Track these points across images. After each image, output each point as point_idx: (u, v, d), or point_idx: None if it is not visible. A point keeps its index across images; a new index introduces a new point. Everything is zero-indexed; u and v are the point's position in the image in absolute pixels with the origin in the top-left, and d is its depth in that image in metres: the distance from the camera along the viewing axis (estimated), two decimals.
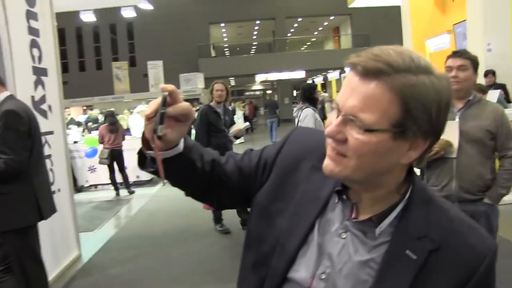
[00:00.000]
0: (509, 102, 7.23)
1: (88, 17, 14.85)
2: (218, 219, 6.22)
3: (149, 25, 29.93)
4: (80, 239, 5.49)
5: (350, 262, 1.01)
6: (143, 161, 1.11)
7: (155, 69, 27.90)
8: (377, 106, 0.88)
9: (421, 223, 1.00)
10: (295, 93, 38.26)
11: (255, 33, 38.22)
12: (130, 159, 9.73)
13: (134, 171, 9.93)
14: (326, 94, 20.68)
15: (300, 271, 1.05)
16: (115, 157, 9.17)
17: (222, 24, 34.56)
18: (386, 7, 16.24)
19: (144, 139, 1.06)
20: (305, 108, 5.52)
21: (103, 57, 33.06)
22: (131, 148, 9.94)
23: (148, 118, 1.00)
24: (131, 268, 5.00)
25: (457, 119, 2.95)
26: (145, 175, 9.96)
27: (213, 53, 34.85)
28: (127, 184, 9.40)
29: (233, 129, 6.01)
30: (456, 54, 2.97)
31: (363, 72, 0.89)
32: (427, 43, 9.79)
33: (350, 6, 15.37)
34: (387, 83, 0.87)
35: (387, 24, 29.71)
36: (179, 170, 1.10)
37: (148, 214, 7.64)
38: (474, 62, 2.95)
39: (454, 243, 0.99)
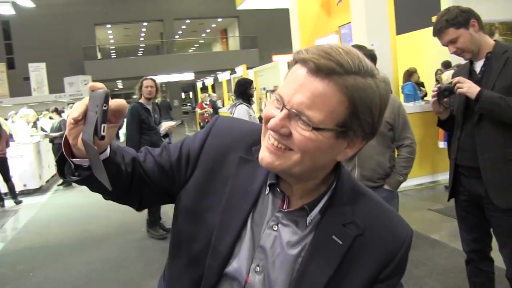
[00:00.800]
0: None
1: None
2: (154, 223, 5.82)
3: (29, 24, 28.04)
4: None
5: (283, 254, 1.04)
6: (62, 169, 1.04)
7: (37, 71, 26.17)
8: (325, 105, 0.90)
9: (347, 210, 1.04)
10: (183, 95, 38.02)
11: (143, 34, 37.44)
12: (16, 167, 9.08)
13: (20, 180, 9.27)
14: (214, 95, 20.99)
15: (236, 267, 1.06)
16: None
17: (108, 26, 33.39)
18: (273, 9, 16.71)
19: (66, 144, 0.98)
20: (238, 104, 5.45)
21: None
22: (16, 155, 9.28)
23: (76, 121, 0.93)
24: (26, 283, 4.64)
25: None
26: (33, 183, 9.34)
27: (99, 55, 33.56)
28: (13, 194, 8.69)
29: (164, 127, 5.84)
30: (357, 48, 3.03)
31: (314, 69, 0.89)
32: (316, 43, 10.24)
33: (238, 8, 15.58)
34: (337, 84, 0.89)
35: (274, 26, 30.72)
36: None
37: (40, 224, 7.13)
38: (373, 56, 3.01)
39: (377, 228, 1.04)
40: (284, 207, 1.06)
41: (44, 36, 29.31)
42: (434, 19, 7.79)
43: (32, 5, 12.15)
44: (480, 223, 2.70)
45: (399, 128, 3.14)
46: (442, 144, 7.08)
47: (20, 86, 27.53)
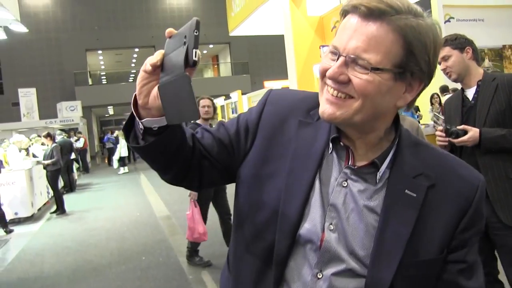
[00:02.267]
0: None
1: None
2: (194, 252, 5.47)
3: (19, 49, 27.91)
4: None
5: (356, 209, 1.03)
6: (130, 135, 1.06)
7: (27, 97, 26.06)
8: (380, 46, 0.92)
9: (414, 163, 1.05)
10: None
11: (134, 60, 37.47)
12: (7, 194, 8.82)
13: (11, 207, 8.97)
14: None
15: (308, 228, 1.05)
16: None
17: (100, 51, 33.39)
18: (264, 36, 16.79)
19: (135, 107, 1.01)
20: None
21: None
22: (8, 182, 9.05)
23: (155, 68, 0.95)
24: None
25: None
26: (25, 211, 9.03)
27: (90, 81, 33.47)
28: (3, 223, 8.34)
29: None
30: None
31: (366, 12, 0.92)
32: (314, 69, 10.24)
33: (231, 34, 15.62)
34: (390, 24, 0.91)
35: (265, 52, 30.98)
36: (169, 145, 1.04)
37: (33, 253, 6.82)
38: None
39: (447, 177, 1.05)
40: (350, 163, 1.05)
41: (34, 61, 29.22)
42: None
43: (25, 30, 11.99)
44: (484, 245, 2.70)
45: None
46: None
47: (9, 112, 27.32)
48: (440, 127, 2.75)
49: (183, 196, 1.06)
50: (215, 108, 5.45)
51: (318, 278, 1.04)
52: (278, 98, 1.18)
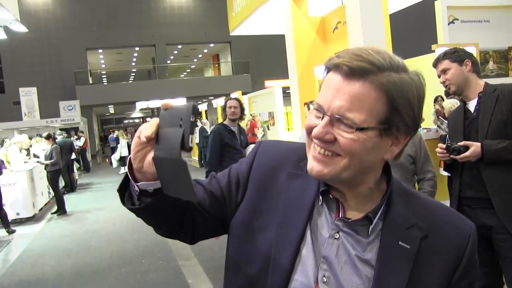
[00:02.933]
0: None
1: None
2: None
3: (19, 49, 27.93)
4: None
5: (349, 261, 1.01)
6: (123, 197, 1.06)
7: (28, 96, 26.00)
8: (364, 105, 0.93)
9: (406, 214, 1.04)
10: None
11: (134, 59, 37.46)
12: (8, 195, 8.85)
13: (12, 208, 9.01)
14: (205, 121, 20.87)
15: (301, 280, 1.03)
16: None
17: (100, 50, 33.42)
18: (265, 35, 16.76)
19: (130, 169, 1.01)
20: None
21: None
22: (9, 182, 9.08)
23: (149, 140, 0.95)
24: None
25: None
26: (26, 212, 9.07)
27: (90, 80, 33.49)
28: (6, 223, 8.40)
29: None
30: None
31: (348, 72, 0.93)
32: (315, 71, 10.21)
33: (232, 34, 15.61)
34: (372, 82, 0.92)
35: (266, 52, 30.91)
36: (164, 205, 1.03)
37: (34, 255, 6.88)
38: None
39: (439, 227, 1.04)
40: (340, 215, 1.04)
41: (35, 61, 29.25)
42: (434, 47, 7.79)
43: (25, 30, 12.00)
44: (488, 256, 2.73)
45: (421, 161, 3.09)
46: (443, 172, 7.02)
47: (10, 111, 27.31)
48: (443, 145, 2.76)
49: None
50: (242, 109, 5.37)
51: None
52: (268, 149, 1.20)
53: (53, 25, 30.18)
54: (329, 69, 0.99)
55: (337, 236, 1.03)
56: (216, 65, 39.24)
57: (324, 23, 11.79)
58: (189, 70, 42.97)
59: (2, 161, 10.15)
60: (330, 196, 1.06)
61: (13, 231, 8.39)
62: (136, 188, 1.01)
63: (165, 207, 1.04)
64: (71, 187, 13.67)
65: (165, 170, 0.92)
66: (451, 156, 2.72)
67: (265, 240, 1.08)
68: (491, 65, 10.69)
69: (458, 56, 2.78)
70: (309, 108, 5.61)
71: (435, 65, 2.89)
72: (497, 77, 10.66)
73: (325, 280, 1.01)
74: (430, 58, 9.13)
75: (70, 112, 26.47)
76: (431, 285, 1.00)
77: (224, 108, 5.37)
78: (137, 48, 34.01)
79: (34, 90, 26.23)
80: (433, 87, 9.99)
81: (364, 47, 0.96)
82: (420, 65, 10.80)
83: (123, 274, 5.57)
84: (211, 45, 34.74)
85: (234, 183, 1.16)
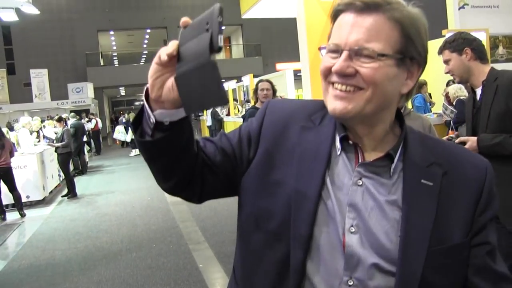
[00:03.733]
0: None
1: None
2: None
3: (31, 30, 27.90)
4: None
5: (377, 205, 1.03)
6: (139, 127, 1.04)
7: (39, 78, 26.07)
8: (381, 35, 0.97)
9: (425, 153, 1.07)
10: None
11: (146, 41, 37.38)
12: (19, 177, 8.82)
13: (23, 191, 8.95)
14: None
15: (328, 232, 1.03)
16: (1, 176, 8.12)
17: (111, 32, 33.34)
18: (277, 18, 16.56)
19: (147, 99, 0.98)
20: None
21: None
22: (19, 165, 9.09)
23: (171, 58, 0.92)
24: None
25: None
26: (37, 195, 9.04)
27: (102, 62, 33.49)
28: (19, 205, 8.36)
29: None
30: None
31: (362, 7, 0.98)
32: (322, 53, 10.16)
33: (243, 17, 15.45)
34: (385, 14, 0.97)
35: (278, 35, 30.68)
36: (176, 143, 1.01)
37: (44, 239, 6.83)
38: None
39: (457, 164, 1.08)
40: (360, 161, 1.06)
41: (46, 42, 29.24)
42: (444, 32, 7.65)
43: (36, 12, 11.91)
44: None
45: None
46: None
47: (20, 93, 27.45)
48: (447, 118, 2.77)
49: None
50: (274, 91, 5.27)
51: (349, 285, 1.02)
52: (277, 107, 1.20)
53: (65, 6, 30.15)
54: (339, 11, 1.01)
55: (360, 183, 1.04)
56: (228, 47, 39.03)
57: None
58: None
59: (13, 144, 10.14)
60: (350, 142, 1.07)
61: (24, 215, 8.37)
62: (152, 119, 0.98)
63: (177, 145, 1.01)
64: (82, 169, 13.67)
65: (190, 85, 0.90)
66: None
67: (283, 195, 1.07)
68: (500, 50, 10.58)
69: (456, 45, 2.74)
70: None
71: (439, 53, 2.85)
72: (507, 62, 10.57)
73: (353, 230, 1.02)
74: (437, 43, 9.04)
75: (78, 94, 26.50)
76: (456, 220, 1.03)
77: (255, 90, 5.28)
78: (148, 30, 33.92)
79: (45, 71, 26.28)
80: (442, 71, 9.89)
81: None
82: (431, 49, 10.86)
83: (134, 258, 5.51)
84: (223, 27, 34.50)
85: (246, 140, 1.15)
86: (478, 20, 10.17)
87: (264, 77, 16.52)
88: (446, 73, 2.85)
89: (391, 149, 1.05)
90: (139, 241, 6.20)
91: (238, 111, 16.88)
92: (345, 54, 0.98)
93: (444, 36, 8.34)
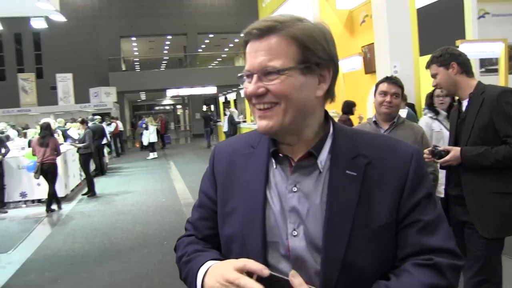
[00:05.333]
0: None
1: None
2: None
3: (58, 36, 28.70)
4: None
5: (312, 206, 1.13)
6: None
7: (64, 82, 26.89)
8: (279, 52, 1.08)
9: (351, 147, 1.17)
10: (205, 108, 38.27)
11: (166, 47, 37.95)
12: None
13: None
14: (233, 110, 21.23)
15: (276, 241, 1.15)
16: (45, 172, 8.72)
17: (133, 38, 33.99)
18: None
19: None
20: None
21: (6, 67, 31.02)
22: None
23: None
24: None
25: None
26: (59, 192, 9.53)
27: (123, 67, 34.15)
28: (52, 200, 8.98)
29: None
30: (391, 80, 3.25)
31: (259, 33, 1.09)
32: (340, 64, 10.34)
33: None
34: (280, 34, 1.08)
35: None
36: None
37: (65, 233, 7.36)
38: (403, 89, 3.28)
39: (382, 154, 1.17)
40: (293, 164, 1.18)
41: (71, 47, 29.98)
42: (458, 43, 7.73)
43: (64, 19, 12.49)
44: (458, 244, 2.92)
45: None
46: None
47: (47, 96, 28.21)
48: (427, 151, 2.88)
49: None
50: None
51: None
52: (222, 147, 1.35)
53: (89, 14, 30.94)
54: (246, 42, 1.14)
55: (295, 189, 1.15)
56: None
57: (352, 16, 11.89)
58: (220, 59, 43.24)
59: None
60: (280, 155, 1.19)
61: (52, 210, 8.90)
62: None
63: None
64: (101, 170, 14.21)
65: None
66: (434, 160, 2.88)
67: (238, 218, 1.20)
68: None
69: (443, 59, 2.84)
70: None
71: (427, 68, 2.97)
72: None
73: (295, 234, 1.12)
74: None
75: (100, 98, 27.18)
76: (381, 204, 1.12)
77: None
78: (169, 37, 34.41)
79: (70, 76, 27.09)
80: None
81: (273, 15, 1.14)
82: None
83: (146, 253, 5.94)
84: (242, 34, 34.75)
85: (209, 190, 1.31)
86: (498, 29, 9.88)
87: None
88: (434, 86, 3.00)
89: (312, 147, 1.15)
90: (151, 239, 6.61)
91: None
92: (255, 77, 1.10)
93: (458, 47, 8.50)
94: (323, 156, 1.16)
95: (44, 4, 9.26)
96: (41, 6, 9.29)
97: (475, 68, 10.03)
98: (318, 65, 1.11)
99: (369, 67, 9.93)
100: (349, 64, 9.71)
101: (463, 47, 7.99)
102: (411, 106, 8.07)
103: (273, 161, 1.20)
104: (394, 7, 8.28)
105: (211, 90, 31.51)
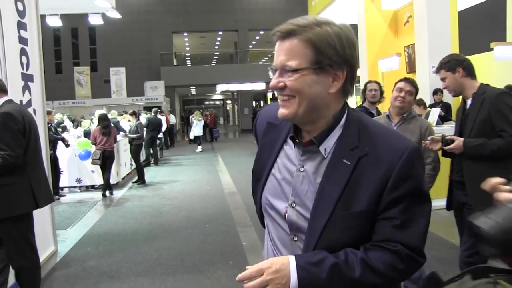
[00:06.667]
0: (448, 120, 7.97)
1: (54, 22, 14.80)
2: None
3: (112, 31, 29.87)
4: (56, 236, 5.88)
5: (312, 187, 1.31)
6: None
7: (117, 75, 28.02)
8: (296, 54, 1.24)
9: (354, 139, 1.30)
10: (254, 103, 38.64)
11: (217, 43, 38.55)
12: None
13: (100, 176, 10.09)
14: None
15: (277, 203, 1.39)
16: (106, 158, 9.51)
17: (185, 34, 34.78)
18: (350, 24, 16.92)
19: None
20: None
21: (63, 61, 32.59)
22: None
23: None
24: (107, 260, 5.42)
25: None
26: (112, 179, 10.20)
27: (175, 62, 35.13)
28: (109, 185, 9.78)
29: None
30: (408, 80, 3.74)
31: (281, 35, 1.27)
32: (379, 64, 10.54)
33: None
34: (298, 37, 1.24)
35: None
36: None
37: (117, 215, 7.99)
38: (417, 90, 3.75)
39: (378, 148, 1.27)
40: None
41: (125, 42, 31.13)
42: (493, 45, 7.87)
43: (119, 16, 13.19)
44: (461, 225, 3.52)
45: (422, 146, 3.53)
46: None
47: (101, 88, 29.41)
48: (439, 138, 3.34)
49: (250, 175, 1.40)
50: (382, 92, 5.46)
51: (295, 241, 1.36)
52: (263, 111, 1.62)
53: (143, 9, 31.95)
54: (275, 41, 1.30)
55: (302, 170, 1.34)
56: None
57: (396, 16, 12.03)
58: (270, 56, 43.53)
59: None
60: (297, 140, 1.36)
61: (105, 196, 9.63)
62: None
63: None
64: (155, 160, 14.93)
65: None
66: (443, 146, 3.31)
67: (255, 174, 1.52)
68: None
69: (450, 65, 3.27)
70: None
71: (436, 73, 3.44)
72: None
73: (293, 206, 1.34)
74: (487, 56, 9.06)
75: (152, 91, 28.07)
76: (364, 193, 1.25)
77: (364, 90, 5.50)
78: (220, 33, 34.97)
79: (123, 70, 28.18)
80: (494, 84, 9.98)
81: (300, 17, 1.28)
82: (486, 62, 10.79)
83: (189, 234, 6.46)
84: None
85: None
86: None
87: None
88: (444, 88, 3.43)
89: (315, 136, 1.31)
90: (195, 222, 7.13)
91: None
92: (276, 73, 1.28)
93: (492, 49, 8.61)
94: (329, 144, 1.31)
95: (101, 1, 9.91)
96: (98, 4, 9.93)
97: None
98: (331, 66, 1.25)
99: (412, 67, 10.11)
100: (387, 64, 9.90)
101: (497, 50, 8.13)
102: (448, 105, 8.25)
103: (290, 142, 1.39)
104: (434, 9, 8.45)
105: (260, 86, 31.80)
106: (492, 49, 8.23)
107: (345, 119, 1.33)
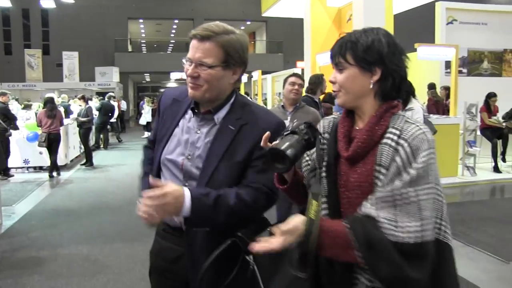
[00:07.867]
0: None
1: (2, 1, 14.65)
2: None
3: (66, 14, 29.27)
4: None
5: (204, 144, 1.70)
6: None
7: (70, 59, 27.73)
8: (211, 54, 1.61)
9: (238, 112, 1.73)
10: None
11: (173, 31, 38.50)
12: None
13: (48, 157, 10.29)
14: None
15: (176, 157, 1.73)
16: (52, 141, 9.71)
17: (141, 20, 34.61)
18: (299, 18, 17.49)
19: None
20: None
21: (13, 42, 31.75)
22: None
23: None
24: (51, 231, 5.86)
25: (288, 118, 4.20)
26: (60, 161, 10.45)
27: (130, 48, 34.95)
28: (56, 166, 10.03)
29: None
30: (298, 75, 4.37)
31: (200, 38, 1.61)
32: (316, 58, 11.12)
33: (264, 14, 16.61)
34: (214, 41, 1.61)
35: (299, 34, 31.10)
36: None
37: (63, 193, 8.38)
38: (304, 82, 4.35)
39: (257, 119, 1.71)
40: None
41: (79, 26, 30.52)
42: (416, 45, 8.60)
43: (71, 1, 13.33)
44: None
45: None
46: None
47: (53, 72, 28.88)
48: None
49: None
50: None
51: (186, 186, 1.68)
52: (166, 92, 1.96)
53: None
54: (191, 38, 1.64)
55: (198, 132, 1.72)
56: (253, 42, 39.75)
57: (340, 14, 12.66)
58: None
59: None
60: (196, 111, 1.74)
61: (53, 176, 9.88)
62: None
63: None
64: (105, 144, 15.24)
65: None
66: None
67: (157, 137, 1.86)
68: (485, 64, 11.40)
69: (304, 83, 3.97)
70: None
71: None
72: (491, 76, 11.40)
73: (189, 158, 1.71)
74: (412, 56, 9.89)
75: (104, 77, 27.95)
76: (243, 149, 1.66)
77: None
78: (176, 21, 34.94)
79: (76, 54, 27.85)
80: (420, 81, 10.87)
81: (214, 22, 1.64)
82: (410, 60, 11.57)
83: (130, 211, 6.79)
84: (248, 22, 35.10)
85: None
86: (464, 36, 10.94)
87: (275, 74, 17.60)
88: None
89: (213, 108, 1.70)
90: (137, 200, 7.54)
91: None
92: (193, 65, 1.61)
93: (415, 49, 9.29)
94: (221, 115, 1.72)
95: None
96: None
97: (440, 69, 11.04)
98: (234, 65, 1.66)
99: None
100: (324, 58, 10.41)
101: (420, 50, 8.87)
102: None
103: (190, 112, 1.77)
104: (370, 10, 8.97)
105: None
106: (415, 50, 8.92)
107: (233, 100, 1.76)
